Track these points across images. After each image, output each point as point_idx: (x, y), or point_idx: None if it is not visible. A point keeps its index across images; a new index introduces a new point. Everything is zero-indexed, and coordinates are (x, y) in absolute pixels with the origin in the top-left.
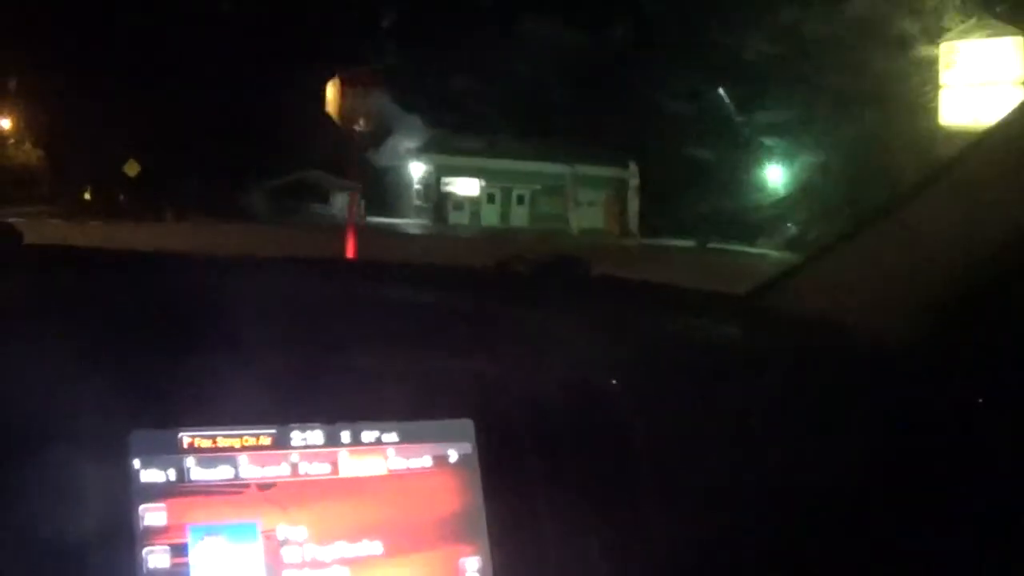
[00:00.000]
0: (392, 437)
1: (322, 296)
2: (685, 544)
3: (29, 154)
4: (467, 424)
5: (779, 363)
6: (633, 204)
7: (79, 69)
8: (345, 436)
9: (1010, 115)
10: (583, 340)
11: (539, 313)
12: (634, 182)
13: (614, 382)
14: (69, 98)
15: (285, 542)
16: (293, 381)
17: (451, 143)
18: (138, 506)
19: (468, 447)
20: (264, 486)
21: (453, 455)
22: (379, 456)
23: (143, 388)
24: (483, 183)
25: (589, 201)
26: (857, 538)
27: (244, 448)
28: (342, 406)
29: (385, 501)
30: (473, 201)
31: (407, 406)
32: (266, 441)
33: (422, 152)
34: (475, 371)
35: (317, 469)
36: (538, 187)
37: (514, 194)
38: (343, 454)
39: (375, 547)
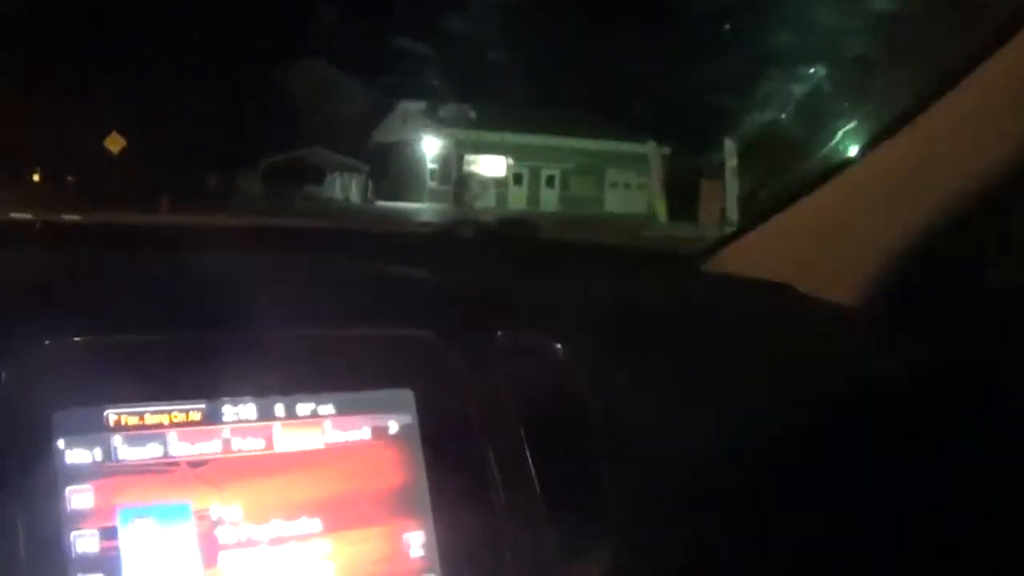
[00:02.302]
0: (329, 409)
1: (253, 266)
2: (636, 512)
3: None
4: (407, 394)
5: (724, 325)
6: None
7: (41, 31)
8: (279, 409)
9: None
10: (527, 305)
11: (483, 278)
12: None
13: (558, 347)
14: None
15: (219, 522)
16: (224, 353)
17: (472, 115)
18: (64, 488)
19: (408, 418)
20: (195, 464)
21: (393, 427)
22: (315, 429)
23: (66, 365)
24: (510, 162)
25: (625, 182)
26: (807, 501)
27: (173, 425)
28: (276, 378)
29: (323, 476)
30: (500, 183)
31: (344, 377)
32: (196, 417)
33: (439, 125)
34: (414, 339)
35: (250, 444)
36: (570, 166)
37: (543, 174)
38: (277, 428)
39: (314, 524)
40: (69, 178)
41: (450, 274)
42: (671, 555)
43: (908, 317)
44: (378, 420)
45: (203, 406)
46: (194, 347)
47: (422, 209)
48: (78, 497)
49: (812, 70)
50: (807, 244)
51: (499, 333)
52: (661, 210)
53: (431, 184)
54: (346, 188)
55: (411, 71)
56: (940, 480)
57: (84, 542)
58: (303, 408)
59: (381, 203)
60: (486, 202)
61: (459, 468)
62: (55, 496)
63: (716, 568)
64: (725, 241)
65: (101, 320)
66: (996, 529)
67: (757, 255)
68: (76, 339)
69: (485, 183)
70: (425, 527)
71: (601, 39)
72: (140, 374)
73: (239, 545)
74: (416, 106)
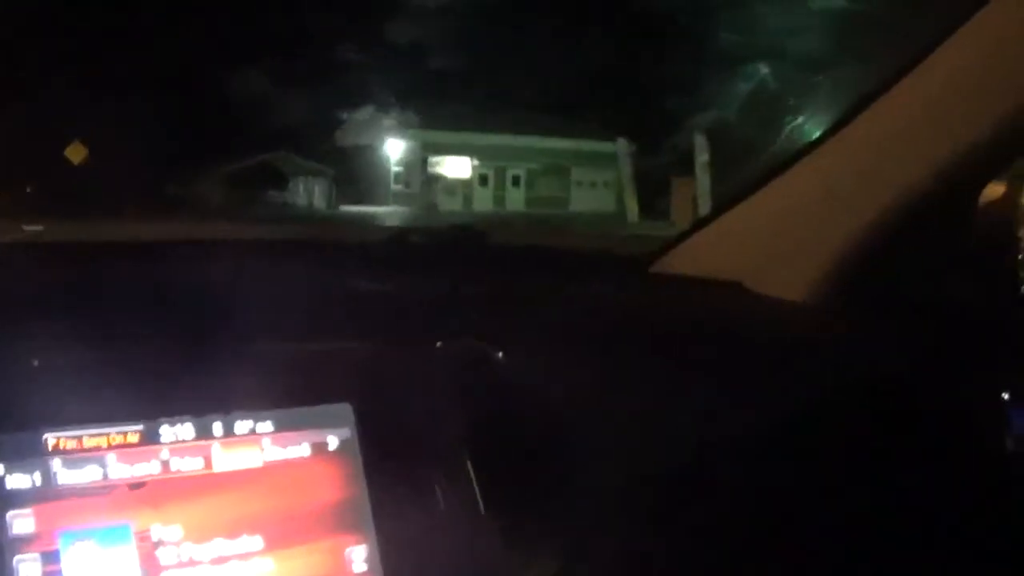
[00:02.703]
0: (267, 426)
1: (187, 282)
2: (582, 518)
3: None
4: (345, 408)
5: (673, 326)
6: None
7: None
8: (217, 428)
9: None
10: (470, 312)
11: (427, 286)
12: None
13: (500, 354)
14: None
15: (160, 543)
16: (162, 373)
17: (435, 116)
18: (4, 514)
19: (348, 432)
20: (135, 485)
21: (332, 442)
22: (254, 447)
23: (3, 389)
24: (475, 163)
25: (591, 181)
26: (756, 501)
27: (112, 447)
28: (214, 397)
29: (263, 494)
30: (466, 184)
31: (282, 393)
32: (134, 438)
33: (401, 128)
34: (352, 352)
35: (189, 464)
36: (535, 166)
37: (509, 174)
38: (216, 447)
39: (255, 542)
40: (28, 189)
41: (393, 283)
42: (616, 561)
43: (858, 315)
44: (317, 436)
45: (141, 427)
46: (131, 367)
47: (387, 213)
48: (19, 522)
49: (772, 67)
50: (756, 242)
51: (439, 343)
52: (633, 208)
53: (396, 187)
54: (310, 193)
55: (372, 73)
56: (892, 477)
57: (27, 567)
58: (241, 426)
59: (346, 208)
60: (453, 204)
61: (400, 480)
62: None
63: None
64: (674, 242)
65: (37, 342)
66: (945, 524)
67: (707, 255)
68: (12, 362)
69: (451, 185)
70: (368, 541)
71: (564, 38)
72: (78, 396)
73: (180, 565)
74: (378, 109)
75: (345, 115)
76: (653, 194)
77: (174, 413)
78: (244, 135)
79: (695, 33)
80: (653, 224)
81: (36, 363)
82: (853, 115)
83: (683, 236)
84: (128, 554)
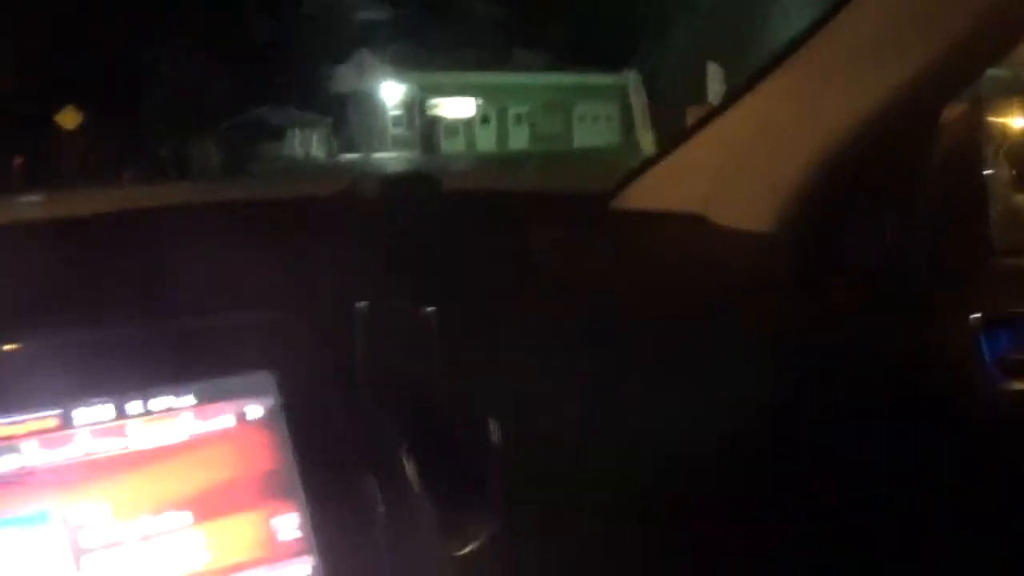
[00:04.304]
0: (187, 400)
1: (105, 258)
2: (521, 482)
3: None
4: (267, 377)
5: (635, 263)
6: None
7: None
8: (135, 407)
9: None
10: (408, 266)
11: (362, 243)
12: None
13: (427, 310)
14: None
15: (82, 526)
16: (75, 356)
17: (433, 57)
18: None
19: (271, 401)
20: (53, 470)
21: (256, 411)
22: (175, 422)
23: None
24: (478, 102)
25: (594, 115)
26: (729, 443)
27: (29, 434)
28: (130, 376)
29: (187, 468)
30: (468, 124)
31: (201, 366)
32: (51, 424)
33: (398, 71)
34: (271, 320)
35: (108, 445)
36: (537, 103)
37: (511, 113)
38: (135, 426)
39: (183, 517)
40: (17, 159)
41: (323, 242)
42: (555, 525)
43: (820, 246)
44: (240, 406)
45: (58, 412)
46: (43, 354)
47: (387, 158)
48: None
49: None
50: (718, 173)
51: (360, 303)
52: (647, 141)
53: (395, 131)
54: (307, 144)
55: (364, 15)
56: (864, 415)
57: None
58: (160, 403)
59: (345, 156)
60: (455, 145)
61: (328, 447)
62: None
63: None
64: (634, 175)
65: None
66: (913, 470)
67: (668, 187)
68: None
69: (451, 126)
70: (299, 509)
71: None
72: None
73: (106, 546)
74: (373, 52)
75: (339, 61)
76: (662, 125)
77: (91, 396)
78: (235, 89)
79: None
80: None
81: None
82: (808, 37)
83: (642, 168)
84: (52, 538)
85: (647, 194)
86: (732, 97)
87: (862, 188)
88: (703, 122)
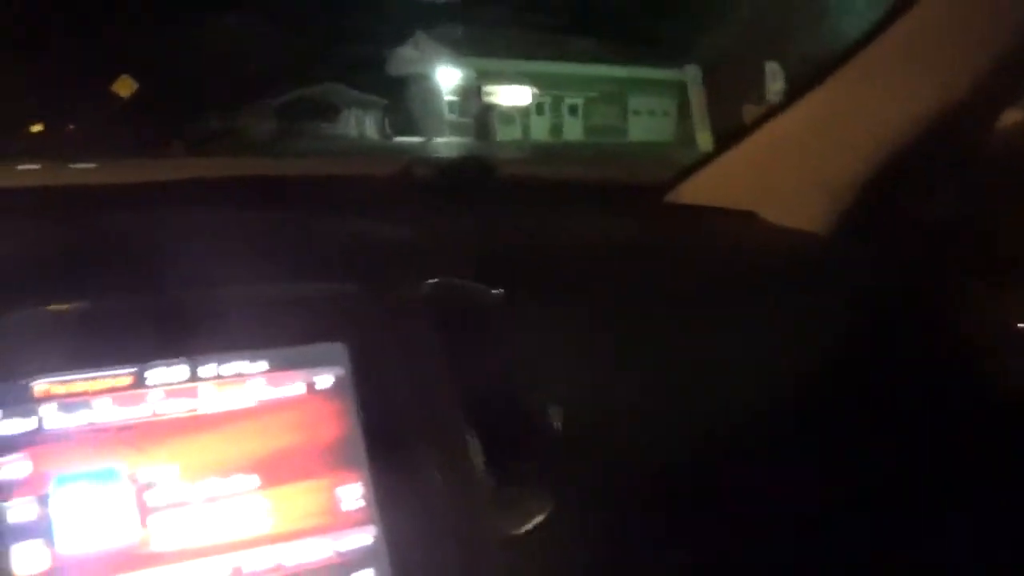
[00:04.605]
0: (259, 367)
1: (181, 224)
2: (580, 462)
3: None
4: (339, 348)
5: (688, 257)
6: None
7: None
8: (208, 370)
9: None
10: (470, 247)
11: (423, 223)
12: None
13: (495, 291)
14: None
15: (151, 484)
16: (151, 317)
17: (490, 43)
18: None
19: (341, 371)
20: (124, 428)
21: (325, 381)
22: (246, 387)
23: None
24: (534, 91)
25: (650, 110)
26: (778, 442)
27: (101, 391)
28: (204, 339)
29: (256, 433)
30: (523, 113)
31: (274, 334)
32: (124, 382)
33: (455, 56)
34: (345, 293)
35: (179, 407)
36: (593, 94)
37: (565, 103)
38: (207, 388)
39: (248, 481)
40: (70, 126)
41: (391, 220)
42: (611, 506)
43: (873, 246)
44: (310, 375)
45: (132, 371)
46: (120, 313)
47: (441, 143)
48: (9, 468)
49: None
50: (772, 171)
51: (432, 280)
52: (705, 137)
53: (450, 117)
54: (361, 124)
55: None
56: (913, 406)
57: (16, 512)
58: (232, 367)
59: (399, 138)
60: (509, 133)
61: (393, 420)
62: None
63: (659, 520)
64: (689, 171)
65: (25, 291)
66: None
67: (722, 184)
68: (0, 312)
69: (506, 114)
70: (362, 479)
71: None
72: (67, 343)
73: (172, 505)
74: (431, 36)
75: (397, 43)
76: (718, 123)
77: (164, 357)
78: (295, 66)
79: None
80: None
81: (23, 313)
82: (867, 39)
83: (698, 164)
84: (119, 495)
85: (701, 189)
86: (789, 97)
87: (916, 191)
88: (760, 121)
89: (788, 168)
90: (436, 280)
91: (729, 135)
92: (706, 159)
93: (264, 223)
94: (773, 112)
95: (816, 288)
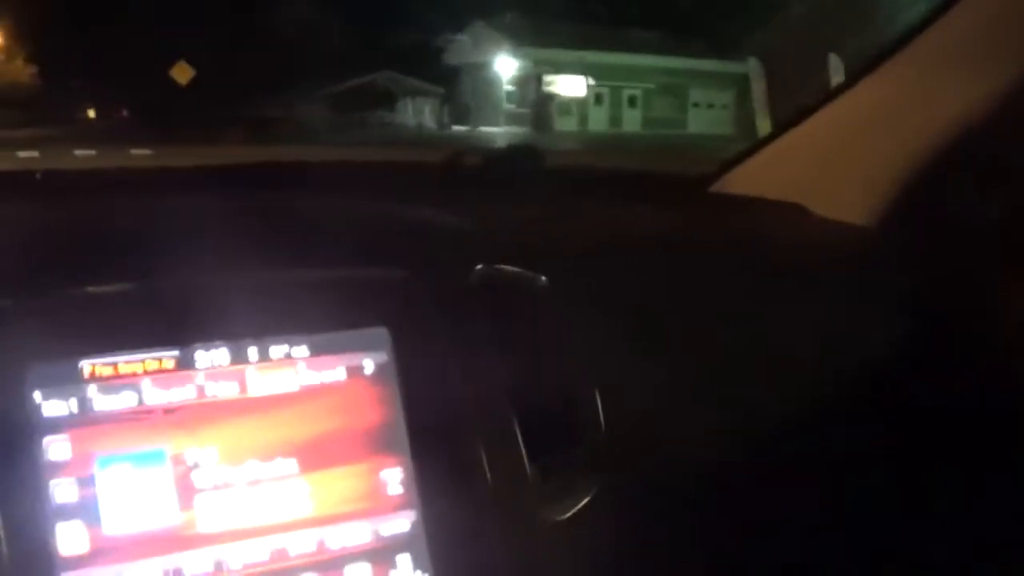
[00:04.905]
0: (303, 351)
1: (228, 208)
2: (619, 447)
3: (19, 70)
4: (382, 333)
5: (733, 250)
6: None
7: None
8: (252, 353)
9: None
10: (515, 236)
11: (473, 210)
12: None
13: (541, 279)
14: None
15: (195, 466)
16: (197, 299)
17: (549, 34)
18: (41, 440)
19: (384, 356)
20: (170, 410)
21: (369, 366)
22: (290, 371)
23: (40, 319)
24: (591, 81)
25: (709, 103)
26: (821, 422)
27: (147, 373)
28: (249, 322)
29: (299, 417)
30: (581, 103)
31: (318, 318)
32: (169, 364)
33: (514, 46)
34: (391, 276)
35: (224, 389)
36: (652, 86)
37: (624, 94)
38: (251, 372)
39: (290, 465)
40: (124, 112)
41: (438, 208)
42: (658, 500)
43: (919, 240)
44: (353, 360)
45: (176, 353)
46: (166, 295)
47: (499, 133)
48: (55, 448)
49: None
50: (818, 163)
51: (478, 267)
52: (766, 130)
53: (508, 107)
54: (419, 113)
55: None
56: (955, 404)
57: (62, 491)
58: (277, 351)
59: (456, 128)
60: (567, 124)
61: (436, 406)
62: (33, 447)
63: (716, 513)
64: (734, 162)
65: (73, 272)
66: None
67: (767, 175)
68: (49, 293)
69: (565, 104)
70: (403, 464)
71: None
72: (113, 325)
73: (215, 488)
74: (489, 25)
75: (455, 33)
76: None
77: (209, 339)
78: (351, 54)
79: None
80: None
81: (71, 294)
82: (919, 31)
83: (743, 156)
84: (163, 477)
85: (747, 179)
86: (837, 89)
87: (966, 188)
88: (807, 112)
89: (835, 161)
90: (483, 267)
91: (776, 126)
92: (751, 149)
93: (312, 209)
94: (819, 104)
95: (861, 284)
